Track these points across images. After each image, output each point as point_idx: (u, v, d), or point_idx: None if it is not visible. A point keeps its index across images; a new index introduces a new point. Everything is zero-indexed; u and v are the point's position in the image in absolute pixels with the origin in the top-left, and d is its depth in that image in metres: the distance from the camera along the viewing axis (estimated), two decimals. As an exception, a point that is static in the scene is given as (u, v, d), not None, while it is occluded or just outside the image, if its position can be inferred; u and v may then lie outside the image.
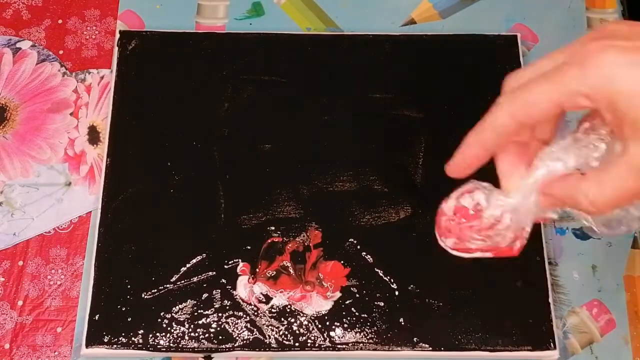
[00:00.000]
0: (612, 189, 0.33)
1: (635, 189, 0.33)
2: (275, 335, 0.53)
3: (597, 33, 0.33)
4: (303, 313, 0.53)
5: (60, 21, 0.65)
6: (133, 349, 0.52)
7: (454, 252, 0.42)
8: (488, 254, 0.41)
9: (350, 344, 0.53)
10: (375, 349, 0.52)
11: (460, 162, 0.38)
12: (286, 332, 0.53)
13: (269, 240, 0.56)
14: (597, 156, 0.35)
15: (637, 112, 0.31)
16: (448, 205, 0.42)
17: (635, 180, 0.33)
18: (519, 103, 0.34)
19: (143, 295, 0.54)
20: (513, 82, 0.36)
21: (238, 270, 0.55)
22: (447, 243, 0.43)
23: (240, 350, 0.53)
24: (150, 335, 0.53)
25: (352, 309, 0.54)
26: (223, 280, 0.54)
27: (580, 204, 0.34)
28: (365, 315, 0.53)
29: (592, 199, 0.34)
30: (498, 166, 0.38)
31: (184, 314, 0.53)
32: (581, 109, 0.33)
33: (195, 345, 0.53)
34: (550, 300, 0.54)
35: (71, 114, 0.62)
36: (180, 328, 0.53)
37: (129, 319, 0.53)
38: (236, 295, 0.54)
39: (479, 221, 0.40)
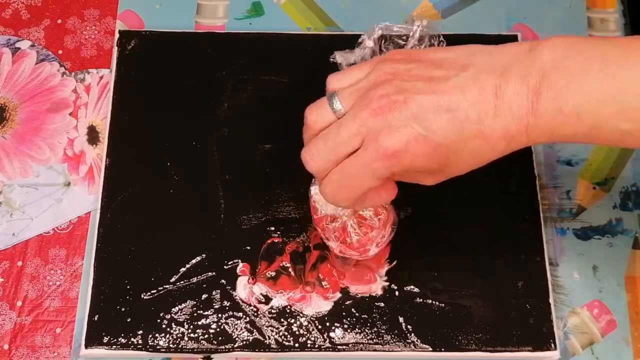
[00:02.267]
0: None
1: None
2: (275, 336, 0.53)
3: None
4: (303, 314, 0.53)
5: (59, 21, 0.65)
6: (132, 349, 0.52)
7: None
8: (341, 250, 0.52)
9: (350, 345, 0.52)
10: (375, 350, 0.52)
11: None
12: (286, 333, 0.53)
13: (269, 241, 0.56)
14: None
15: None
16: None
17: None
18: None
19: (142, 296, 0.54)
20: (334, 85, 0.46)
21: (238, 271, 0.55)
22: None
23: (240, 350, 0.52)
24: (150, 336, 0.53)
25: (352, 309, 0.53)
26: (223, 281, 0.54)
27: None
28: (365, 316, 0.53)
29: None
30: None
31: (183, 314, 0.53)
32: None
33: (195, 345, 0.52)
34: (551, 300, 0.54)
35: (70, 114, 0.62)
36: (179, 329, 0.53)
37: (129, 320, 0.53)
38: (236, 296, 0.54)
39: (319, 215, 0.52)
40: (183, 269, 0.55)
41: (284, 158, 0.59)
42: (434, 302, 0.54)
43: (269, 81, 0.62)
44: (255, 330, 0.53)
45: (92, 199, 0.58)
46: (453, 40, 0.63)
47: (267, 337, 0.53)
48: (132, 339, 0.52)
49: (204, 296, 0.54)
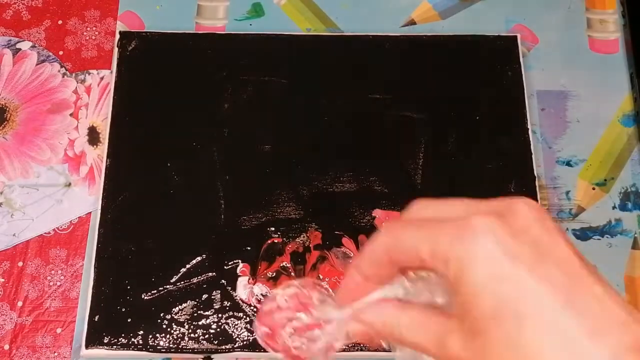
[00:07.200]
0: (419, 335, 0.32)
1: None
2: (275, 336, 0.53)
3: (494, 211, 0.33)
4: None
5: (60, 22, 0.65)
6: (133, 349, 0.52)
7: (262, 343, 0.38)
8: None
9: (350, 345, 0.52)
10: (375, 350, 0.52)
11: (346, 292, 0.35)
12: (286, 333, 0.53)
13: (269, 241, 0.56)
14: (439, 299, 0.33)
15: (474, 295, 0.29)
16: (285, 292, 0.37)
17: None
18: (392, 241, 0.32)
19: (143, 296, 0.54)
20: (411, 214, 0.34)
21: (238, 271, 0.55)
22: (259, 331, 0.37)
23: (240, 351, 0.53)
24: (150, 336, 0.53)
25: (352, 309, 0.53)
26: (223, 281, 0.54)
27: (394, 334, 0.32)
28: (365, 316, 0.53)
29: (402, 331, 0.32)
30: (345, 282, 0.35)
31: (183, 314, 0.53)
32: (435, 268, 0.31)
33: (195, 346, 0.52)
34: (551, 300, 0.54)
35: (71, 115, 0.62)
36: (180, 329, 0.53)
37: (129, 320, 0.53)
38: (236, 296, 0.54)
39: (305, 316, 0.37)
40: (183, 269, 0.55)
41: (284, 158, 0.59)
42: (433, 302, 0.54)
43: (269, 81, 0.62)
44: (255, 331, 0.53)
45: (92, 200, 0.59)
46: (453, 40, 0.64)
47: (267, 337, 0.53)
48: (133, 339, 0.53)
49: (204, 296, 0.54)
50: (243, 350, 0.53)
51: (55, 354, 0.54)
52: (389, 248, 0.32)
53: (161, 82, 0.62)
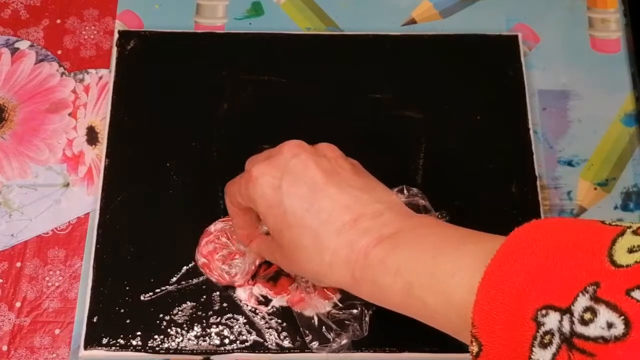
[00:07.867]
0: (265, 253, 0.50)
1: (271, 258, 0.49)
2: (275, 337, 0.53)
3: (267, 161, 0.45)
4: (303, 315, 0.53)
5: (58, 21, 0.65)
6: (131, 351, 0.52)
7: (202, 270, 0.54)
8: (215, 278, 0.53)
9: (356, 349, 0.52)
10: (375, 351, 0.52)
11: (242, 239, 0.51)
12: (286, 334, 0.53)
13: (269, 242, 0.56)
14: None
15: (266, 221, 0.44)
16: (215, 227, 0.54)
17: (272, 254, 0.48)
18: (227, 196, 0.48)
19: (142, 297, 0.54)
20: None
21: (237, 272, 0.55)
22: (199, 261, 0.53)
23: (240, 352, 0.52)
24: (149, 337, 0.52)
25: (352, 310, 0.53)
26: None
27: (262, 255, 0.51)
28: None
29: (263, 254, 0.50)
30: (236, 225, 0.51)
31: (183, 315, 0.53)
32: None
33: (194, 347, 0.52)
34: (552, 301, 0.54)
35: (69, 115, 0.61)
36: (179, 330, 0.53)
37: (128, 321, 0.53)
38: (235, 297, 0.54)
39: (228, 247, 0.53)
40: (182, 270, 0.54)
41: (284, 158, 0.58)
42: (434, 303, 0.53)
43: (269, 81, 0.62)
44: (254, 332, 0.53)
45: (91, 200, 0.58)
46: (454, 39, 0.64)
47: (266, 338, 0.52)
48: (132, 340, 0.52)
49: (203, 297, 0.54)
50: (242, 352, 0.52)
51: (54, 355, 0.53)
52: (230, 199, 0.47)
53: (160, 81, 0.61)
